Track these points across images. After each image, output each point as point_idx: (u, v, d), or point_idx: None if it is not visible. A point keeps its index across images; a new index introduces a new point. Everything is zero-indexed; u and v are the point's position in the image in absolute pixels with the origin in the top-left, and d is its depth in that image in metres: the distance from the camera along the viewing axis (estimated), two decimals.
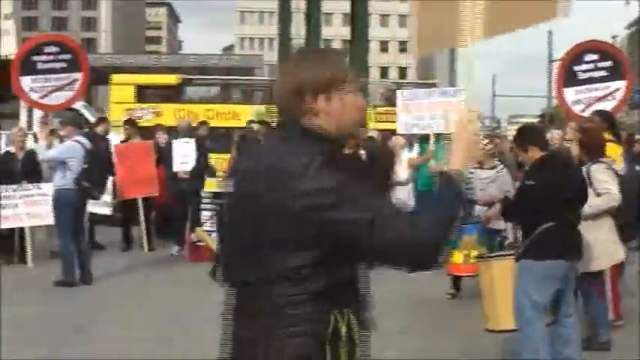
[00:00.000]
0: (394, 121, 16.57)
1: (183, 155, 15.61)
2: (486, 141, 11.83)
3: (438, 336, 9.78)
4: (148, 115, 23.21)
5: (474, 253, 11.03)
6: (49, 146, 13.05)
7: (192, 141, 15.76)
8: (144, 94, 25.73)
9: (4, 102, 19.97)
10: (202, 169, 15.80)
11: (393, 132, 16.73)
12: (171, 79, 27.37)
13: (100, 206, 15.31)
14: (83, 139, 12.80)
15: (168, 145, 16.04)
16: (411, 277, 13.13)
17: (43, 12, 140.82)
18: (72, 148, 12.63)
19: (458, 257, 11.32)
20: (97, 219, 15.53)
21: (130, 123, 17.94)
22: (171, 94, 26.28)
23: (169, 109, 23.59)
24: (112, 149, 16.05)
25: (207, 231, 15.37)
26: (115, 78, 26.02)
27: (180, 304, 11.44)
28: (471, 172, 11.64)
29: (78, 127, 13.08)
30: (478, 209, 11.43)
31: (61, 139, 13.29)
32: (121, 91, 24.84)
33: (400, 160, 15.37)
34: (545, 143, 7.53)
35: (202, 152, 15.81)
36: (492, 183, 11.42)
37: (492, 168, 11.61)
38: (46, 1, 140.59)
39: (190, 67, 47.01)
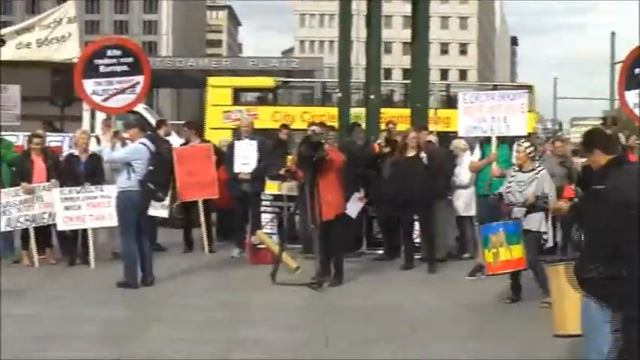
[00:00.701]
0: (454, 124, 16.50)
1: (245, 156, 15.61)
2: (527, 144, 11.79)
3: (501, 341, 9.68)
4: (244, 118, 23.23)
5: (504, 250, 11.00)
6: (114, 148, 13.12)
7: (254, 142, 15.76)
8: (240, 96, 25.79)
9: (67, 105, 20.16)
10: (263, 170, 15.78)
11: (454, 135, 16.63)
12: (268, 81, 27.44)
13: (158, 209, 15.36)
14: (147, 142, 12.87)
15: (230, 146, 16.07)
16: (465, 283, 13.20)
17: (105, 15, 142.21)
18: (138, 150, 12.70)
19: (489, 256, 11.24)
20: (158, 221, 15.60)
21: (189, 125, 18.00)
22: (267, 97, 26.33)
23: (266, 111, 23.59)
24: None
25: (267, 233, 15.41)
26: (212, 80, 26.14)
27: (240, 306, 11.44)
28: (512, 176, 11.61)
29: (142, 130, 13.15)
30: (517, 210, 11.37)
31: (123, 142, 13.37)
32: (217, 94, 24.95)
33: (461, 164, 15.27)
34: (614, 147, 7.40)
35: (264, 154, 15.80)
36: (531, 184, 11.37)
37: (532, 170, 11.54)
38: (108, 3, 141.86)
39: (250, 69, 47.25)
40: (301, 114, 23.09)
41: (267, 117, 22.00)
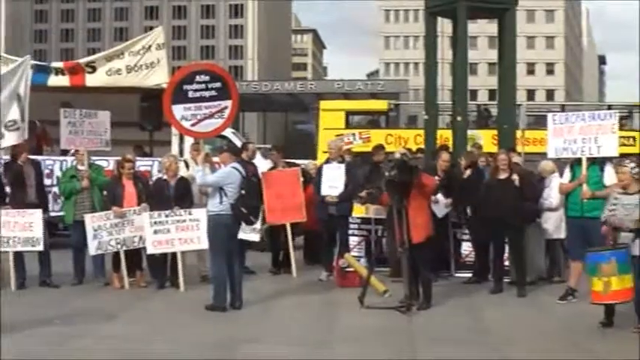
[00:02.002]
0: (543, 145, 16.31)
1: (332, 179, 15.63)
2: (632, 164, 11.48)
3: None
4: (357, 140, 23.22)
5: (616, 280, 10.76)
6: (205, 172, 13.23)
7: (342, 165, 15.77)
8: (353, 119, 25.83)
9: (157, 130, 20.42)
10: (351, 193, 15.76)
11: (542, 156, 16.44)
12: (380, 104, 27.49)
13: (249, 233, 15.45)
14: (239, 166, 12.97)
15: (319, 169, 16.10)
16: (555, 307, 12.99)
17: (192, 41, 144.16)
18: (230, 174, 12.80)
19: (598, 285, 11.00)
20: (246, 244, 15.70)
21: (276, 149, 18.09)
22: (380, 120, 26.32)
23: (379, 134, 23.56)
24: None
25: (355, 256, 15.39)
26: (324, 104, 26.26)
27: (329, 329, 11.42)
28: (616, 198, 11.32)
29: (234, 154, 13.26)
30: (624, 236, 11.08)
31: (212, 166, 13.50)
32: (330, 117, 25.02)
33: (549, 185, 15.07)
34: None
35: (352, 176, 15.80)
36: (637, 208, 11.03)
37: (637, 192, 11.22)
38: (195, 29, 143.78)
39: (336, 92, 47.39)
40: (414, 136, 22.94)
41: (379, 140, 21.85)
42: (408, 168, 12.69)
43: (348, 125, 25.64)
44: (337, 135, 23.36)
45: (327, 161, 16.10)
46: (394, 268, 14.75)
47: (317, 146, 25.06)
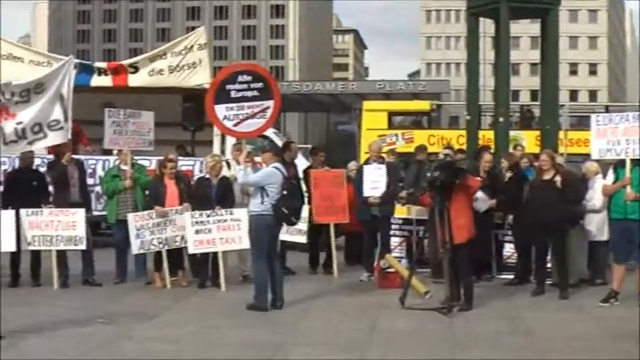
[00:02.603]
0: (586, 146, 16.18)
1: (373, 180, 15.61)
2: None
3: None
4: (400, 141, 23.17)
5: None
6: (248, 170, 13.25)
7: (383, 166, 15.75)
8: (396, 120, 25.78)
9: (199, 130, 20.50)
10: (392, 194, 15.75)
11: (586, 157, 16.31)
12: (423, 105, 27.42)
13: (295, 234, 15.47)
14: (280, 166, 12.99)
15: (359, 170, 16.09)
16: (598, 309, 12.88)
17: (234, 41, 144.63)
18: (272, 174, 12.83)
19: None
20: (287, 244, 15.73)
21: (314, 152, 18.05)
22: (423, 120, 26.26)
23: (422, 135, 23.49)
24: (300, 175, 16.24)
25: (396, 257, 15.37)
26: (367, 104, 26.22)
27: (369, 330, 11.41)
28: None
29: (276, 155, 13.29)
30: None
31: (254, 166, 13.54)
32: (372, 118, 24.98)
33: (593, 187, 14.96)
34: None
35: (393, 177, 15.78)
36: None
37: None
38: (236, 30, 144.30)
39: (377, 93, 47.33)
40: (457, 137, 22.82)
41: (422, 140, 21.76)
42: (454, 169, 12.66)
43: (390, 126, 25.55)
44: (380, 135, 23.30)
45: (367, 162, 16.08)
46: (435, 269, 14.71)
47: (359, 147, 25.02)
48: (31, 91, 14.91)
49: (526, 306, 13.19)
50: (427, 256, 15.73)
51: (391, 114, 26.07)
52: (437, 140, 22.76)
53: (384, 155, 16.61)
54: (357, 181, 15.82)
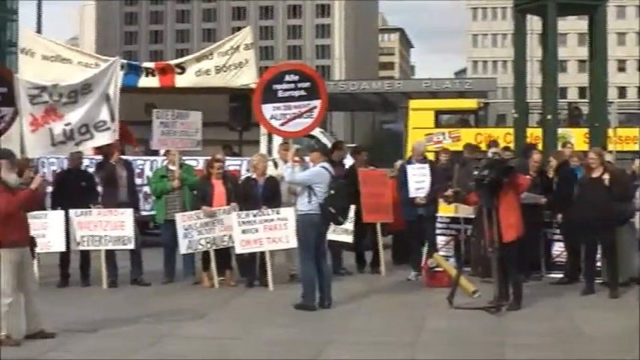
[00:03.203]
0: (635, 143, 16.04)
1: (418, 181, 15.56)
2: None
3: None
4: (447, 140, 23.10)
5: None
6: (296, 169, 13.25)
7: (426, 165, 15.71)
8: (442, 118, 25.72)
9: (245, 130, 20.55)
10: (437, 193, 15.69)
11: (635, 154, 16.16)
12: (470, 103, 27.34)
13: (341, 234, 15.45)
14: (328, 165, 12.98)
15: (402, 170, 16.03)
16: None
17: (279, 41, 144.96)
18: (319, 173, 12.83)
19: None
20: (339, 244, 15.73)
21: (358, 151, 17.98)
22: (470, 119, 26.18)
23: (469, 133, 23.40)
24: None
25: (444, 256, 15.30)
26: (413, 103, 26.20)
27: (417, 329, 11.37)
28: None
29: (324, 154, 13.27)
30: None
31: (302, 165, 13.54)
32: (419, 117, 24.93)
33: None
34: None
35: (436, 176, 15.72)
36: None
37: None
38: (281, 29, 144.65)
39: (423, 91, 47.18)
40: (504, 135, 22.68)
41: (469, 139, 21.66)
42: (504, 167, 12.58)
43: (437, 124, 25.47)
44: (426, 134, 23.23)
45: (409, 162, 16.03)
46: (482, 268, 14.63)
47: (405, 146, 24.96)
48: (78, 93, 15.08)
49: (575, 305, 13.06)
50: (472, 254, 15.62)
51: (438, 112, 25.96)
52: (484, 139, 22.59)
53: (443, 155, 16.61)
54: (400, 182, 15.76)
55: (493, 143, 17.65)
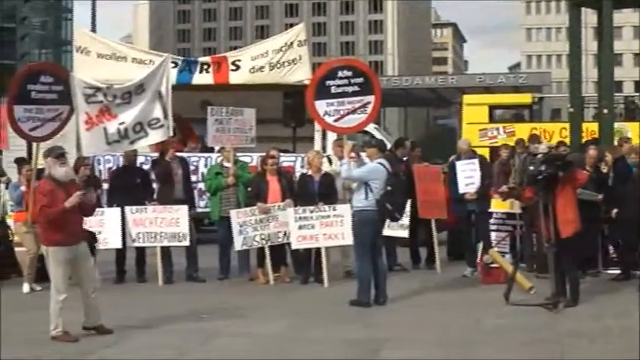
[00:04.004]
0: None
1: (467, 177, 15.49)
2: None
3: None
4: (501, 135, 22.95)
5: None
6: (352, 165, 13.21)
7: (475, 161, 15.62)
8: (497, 113, 25.60)
9: (299, 126, 20.55)
10: (488, 188, 15.60)
11: None
12: (524, 98, 27.16)
13: (397, 229, 15.40)
14: (384, 162, 12.93)
15: (451, 167, 15.94)
16: None
17: (332, 37, 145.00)
18: (376, 169, 12.78)
19: None
20: (395, 241, 15.70)
21: (413, 146, 17.95)
22: (524, 114, 26.04)
23: (523, 128, 23.23)
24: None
25: (500, 252, 15.18)
26: (467, 98, 26.07)
27: (473, 326, 11.31)
28: None
29: (381, 150, 13.23)
30: None
31: (357, 160, 13.51)
32: (473, 112, 24.82)
33: None
34: None
35: (486, 171, 15.64)
36: None
37: None
38: (334, 25, 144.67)
39: (477, 86, 46.86)
40: (559, 130, 22.45)
41: (524, 134, 21.47)
42: (563, 162, 12.46)
43: (491, 119, 25.29)
44: (481, 130, 23.08)
45: (458, 158, 15.93)
46: (538, 264, 14.51)
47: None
48: (132, 93, 15.19)
49: (632, 301, 12.88)
50: (524, 251, 15.50)
51: (492, 107, 25.77)
52: (539, 133, 22.37)
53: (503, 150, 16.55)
54: (449, 178, 15.68)
55: (534, 138, 17.46)
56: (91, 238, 10.95)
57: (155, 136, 15.62)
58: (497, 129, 23.32)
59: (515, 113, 27.40)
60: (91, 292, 10.67)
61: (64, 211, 10.33)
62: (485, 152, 19.47)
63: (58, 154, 10.60)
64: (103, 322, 10.75)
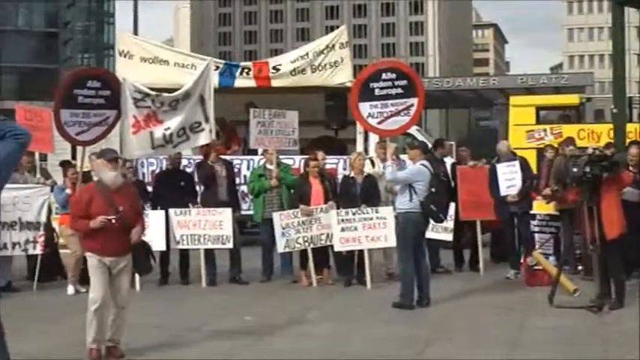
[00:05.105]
0: None
1: (508, 179, 15.41)
2: None
3: None
4: (548, 136, 22.82)
5: None
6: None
7: (515, 163, 15.53)
8: (544, 115, 25.48)
9: (342, 128, 20.58)
10: (529, 189, 15.52)
11: None
12: (572, 98, 27.00)
13: (441, 232, 15.38)
14: (427, 163, 12.92)
15: (492, 169, 15.83)
16: None
17: (373, 39, 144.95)
18: (420, 171, 12.78)
19: None
20: (437, 243, 15.66)
21: (465, 146, 17.89)
22: (572, 115, 25.91)
23: (571, 129, 23.11)
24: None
25: (544, 254, 15.10)
26: (514, 100, 25.93)
27: (517, 328, 11.27)
28: None
29: (424, 152, 13.23)
30: None
31: (398, 163, 13.49)
32: (520, 113, 24.70)
33: None
34: None
35: (527, 173, 15.56)
36: None
37: None
38: (375, 27, 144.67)
39: (519, 87, 46.67)
40: (607, 131, 22.27)
41: (572, 135, 21.32)
42: (610, 163, 12.36)
43: (538, 121, 25.15)
44: (528, 131, 22.92)
45: (498, 160, 15.84)
46: (584, 266, 14.42)
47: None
48: (179, 101, 15.33)
49: None
50: (562, 253, 15.40)
51: (539, 109, 25.60)
52: (587, 135, 22.19)
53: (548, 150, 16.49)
54: (490, 180, 15.59)
55: (569, 141, 17.30)
56: (145, 250, 10.29)
57: (196, 140, 15.73)
58: (545, 130, 23.09)
59: (562, 114, 27.21)
60: (119, 308, 9.82)
61: (92, 229, 9.64)
62: (533, 154, 19.30)
63: (111, 158, 10.01)
64: (123, 342, 9.94)
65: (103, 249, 9.69)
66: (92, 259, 9.80)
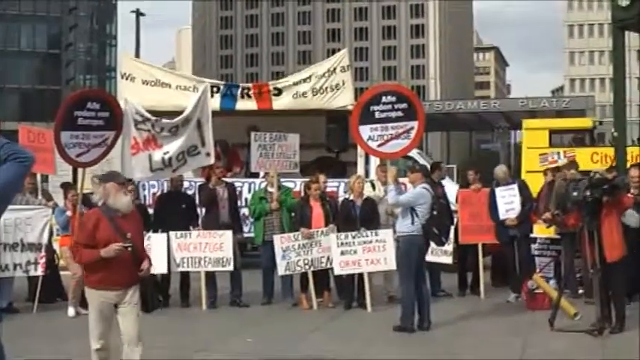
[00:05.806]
0: None
1: (507, 202, 15.40)
2: None
3: None
4: (561, 159, 22.81)
5: None
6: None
7: (514, 186, 15.53)
8: (557, 138, 25.53)
9: (342, 151, 20.61)
10: (529, 212, 15.51)
11: None
12: (585, 122, 27.05)
13: (440, 255, 15.38)
14: (428, 186, 12.94)
15: (490, 193, 15.80)
16: None
17: (374, 62, 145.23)
18: (422, 194, 12.78)
19: None
20: (438, 266, 15.65)
21: (473, 170, 17.86)
22: (585, 138, 25.96)
23: (584, 153, 23.14)
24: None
25: (544, 277, 15.09)
26: (528, 123, 25.99)
27: (517, 351, 11.26)
28: None
29: (425, 175, 13.25)
30: None
31: (397, 186, 13.50)
32: (534, 136, 24.75)
33: None
34: None
35: (526, 195, 15.55)
36: None
37: None
38: (376, 51, 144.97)
39: (520, 110, 46.77)
40: None
41: (585, 158, 21.25)
42: (610, 186, 12.36)
43: (552, 144, 25.19)
44: (541, 154, 22.93)
45: (497, 184, 15.82)
46: (585, 289, 14.41)
47: (519, 166, 24.61)
48: (179, 127, 15.41)
49: None
50: (564, 276, 15.38)
51: (552, 132, 25.67)
52: (600, 158, 22.17)
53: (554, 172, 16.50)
54: (489, 204, 15.58)
55: (572, 165, 17.29)
56: (154, 285, 9.43)
57: (192, 164, 15.81)
58: (558, 153, 23.11)
59: (575, 137, 27.22)
60: (125, 347, 8.97)
61: (101, 258, 8.70)
62: (541, 177, 19.32)
63: (122, 182, 9.25)
64: None
65: (111, 281, 8.76)
66: (93, 295, 8.96)
